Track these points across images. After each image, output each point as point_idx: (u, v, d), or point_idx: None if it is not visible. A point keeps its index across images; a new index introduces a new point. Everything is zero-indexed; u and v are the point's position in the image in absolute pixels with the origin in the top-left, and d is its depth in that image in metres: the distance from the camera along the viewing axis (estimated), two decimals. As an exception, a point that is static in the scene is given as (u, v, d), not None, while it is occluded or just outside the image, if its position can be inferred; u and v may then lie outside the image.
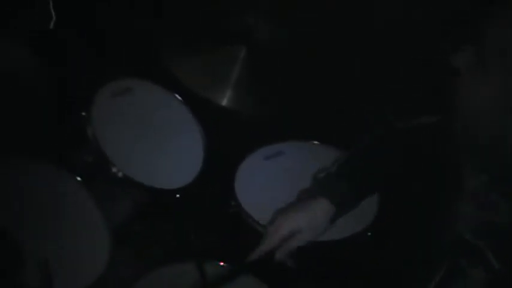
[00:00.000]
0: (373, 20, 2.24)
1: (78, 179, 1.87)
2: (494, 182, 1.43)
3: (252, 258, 1.70)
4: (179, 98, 2.23)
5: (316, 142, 2.26)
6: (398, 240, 1.81)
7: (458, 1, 1.65)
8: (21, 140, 1.99)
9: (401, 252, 1.80)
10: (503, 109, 1.34)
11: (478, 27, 1.35)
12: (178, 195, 2.04)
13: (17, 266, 1.57)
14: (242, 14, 2.16)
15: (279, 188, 2.08)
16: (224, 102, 2.24)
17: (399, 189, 1.77)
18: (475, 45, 1.36)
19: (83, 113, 1.99)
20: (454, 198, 1.51)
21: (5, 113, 2.01)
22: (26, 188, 1.81)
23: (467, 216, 1.48)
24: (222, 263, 1.91)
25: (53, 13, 2.36)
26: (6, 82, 2.10)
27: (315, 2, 2.26)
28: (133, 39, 2.38)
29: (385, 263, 1.90)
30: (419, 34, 2.10)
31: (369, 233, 1.93)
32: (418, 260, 1.62)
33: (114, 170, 1.95)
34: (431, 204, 1.66)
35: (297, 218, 1.67)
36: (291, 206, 1.75)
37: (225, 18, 2.18)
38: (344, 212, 1.70)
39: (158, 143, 2.12)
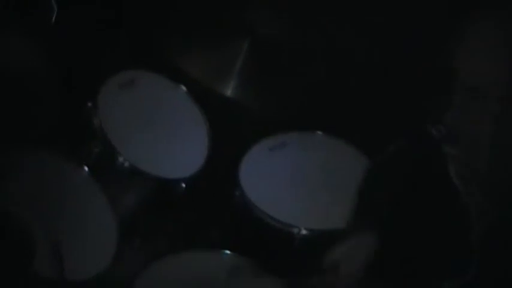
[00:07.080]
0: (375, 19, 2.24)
1: (86, 169, 1.90)
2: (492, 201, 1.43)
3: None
4: (184, 88, 2.25)
5: (319, 132, 2.28)
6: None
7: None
8: (29, 132, 2.01)
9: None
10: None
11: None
12: (183, 185, 2.06)
13: (29, 253, 1.60)
14: (245, 8, 2.18)
15: (283, 179, 2.13)
16: (228, 92, 2.25)
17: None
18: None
19: (89, 104, 2.02)
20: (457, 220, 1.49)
21: (12, 106, 2.03)
22: (36, 179, 1.84)
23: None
24: (227, 251, 1.94)
25: (55, 6, 2.37)
26: (12, 75, 2.11)
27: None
28: (138, 31, 2.39)
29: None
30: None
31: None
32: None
33: (120, 160, 1.97)
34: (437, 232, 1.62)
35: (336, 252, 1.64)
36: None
37: (228, 11, 2.19)
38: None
39: (164, 133, 2.14)
